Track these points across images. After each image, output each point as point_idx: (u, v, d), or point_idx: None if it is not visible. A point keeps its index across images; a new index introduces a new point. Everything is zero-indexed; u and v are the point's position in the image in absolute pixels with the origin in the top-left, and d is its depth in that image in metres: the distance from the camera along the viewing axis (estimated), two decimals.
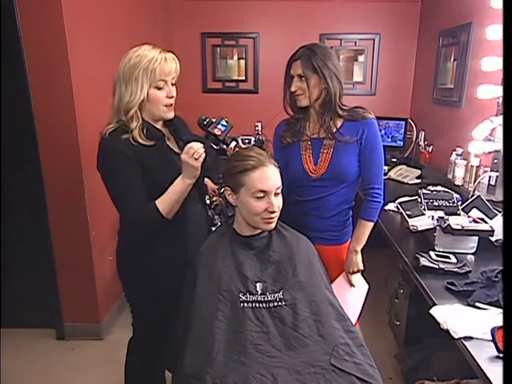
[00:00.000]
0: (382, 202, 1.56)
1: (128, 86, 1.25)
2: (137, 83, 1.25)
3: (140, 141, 1.27)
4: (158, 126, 1.37)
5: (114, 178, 1.28)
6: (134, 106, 1.27)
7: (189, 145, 1.24)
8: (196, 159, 1.23)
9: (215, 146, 1.42)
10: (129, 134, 1.26)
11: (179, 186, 1.27)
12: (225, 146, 1.43)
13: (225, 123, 1.43)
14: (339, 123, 1.52)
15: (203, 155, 1.25)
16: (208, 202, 1.81)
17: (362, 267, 1.58)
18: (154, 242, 1.36)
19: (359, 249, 1.56)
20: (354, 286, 1.59)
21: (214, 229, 1.56)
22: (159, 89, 1.29)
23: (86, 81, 2.10)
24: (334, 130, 1.51)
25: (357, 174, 1.54)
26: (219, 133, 1.40)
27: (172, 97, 1.33)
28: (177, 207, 1.29)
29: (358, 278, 1.61)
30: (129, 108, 1.26)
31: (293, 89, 1.49)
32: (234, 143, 1.41)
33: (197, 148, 1.23)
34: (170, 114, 1.35)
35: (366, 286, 1.64)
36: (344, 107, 1.52)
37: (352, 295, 1.58)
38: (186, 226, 1.39)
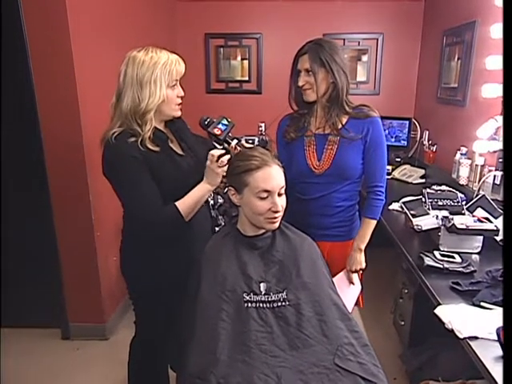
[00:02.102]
0: (384, 199, 1.56)
1: (144, 88, 1.25)
2: (155, 84, 1.25)
3: (149, 146, 1.27)
4: (161, 128, 1.37)
5: (126, 182, 1.27)
6: (152, 108, 1.27)
7: (212, 152, 1.29)
8: (220, 166, 1.29)
9: (218, 146, 1.43)
10: (136, 138, 1.26)
11: (200, 191, 1.31)
12: (226, 145, 1.44)
13: (226, 122, 1.43)
14: (344, 120, 1.52)
15: (224, 162, 1.29)
16: (212, 202, 1.81)
17: (364, 266, 1.58)
18: (157, 241, 1.37)
19: (363, 247, 1.56)
20: (353, 284, 1.59)
21: (217, 229, 1.56)
22: (172, 89, 1.31)
23: (90, 81, 2.11)
24: (340, 126, 1.51)
25: (360, 171, 1.55)
26: (219, 132, 1.41)
27: (182, 96, 1.35)
28: (195, 210, 1.32)
29: (355, 278, 1.61)
30: (146, 110, 1.26)
31: (300, 83, 1.48)
32: (235, 141, 1.42)
33: (218, 154, 1.29)
34: (179, 113, 1.38)
35: (360, 287, 1.64)
36: (350, 104, 1.52)
37: (349, 293, 1.58)
38: (189, 226, 1.39)
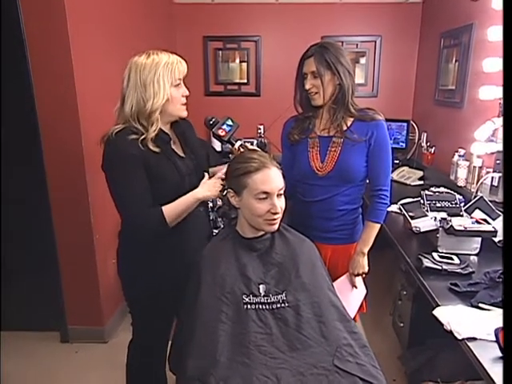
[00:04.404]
0: (389, 203, 1.55)
1: (148, 88, 1.26)
2: (158, 84, 1.26)
3: (149, 146, 1.27)
4: (166, 129, 1.38)
5: (119, 179, 1.28)
6: (158, 108, 1.28)
7: (219, 175, 1.36)
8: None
9: (218, 149, 1.44)
10: (137, 136, 1.27)
11: (189, 200, 1.32)
12: (230, 146, 1.44)
13: (230, 123, 1.44)
14: (349, 122, 1.52)
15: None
16: (211, 204, 1.81)
17: (367, 270, 1.58)
18: (154, 244, 1.37)
19: (366, 251, 1.55)
20: (356, 288, 1.59)
21: (216, 231, 1.56)
22: (176, 88, 1.32)
23: (89, 85, 2.11)
24: (345, 127, 1.51)
25: (363, 174, 1.54)
26: (223, 133, 1.42)
27: (187, 95, 1.36)
28: (180, 218, 1.33)
29: (358, 281, 1.61)
30: (152, 110, 1.27)
31: (307, 86, 1.48)
32: (239, 143, 1.42)
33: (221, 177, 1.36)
34: (185, 113, 1.39)
35: (365, 291, 1.64)
36: (355, 106, 1.52)
37: (352, 297, 1.58)
38: (187, 228, 1.40)
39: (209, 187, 1.35)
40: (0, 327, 2.31)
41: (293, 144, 1.58)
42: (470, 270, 1.53)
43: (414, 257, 1.65)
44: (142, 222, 1.29)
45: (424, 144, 3.20)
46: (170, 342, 1.44)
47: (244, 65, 3.68)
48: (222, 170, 1.38)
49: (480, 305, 1.31)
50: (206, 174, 1.42)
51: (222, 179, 1.36)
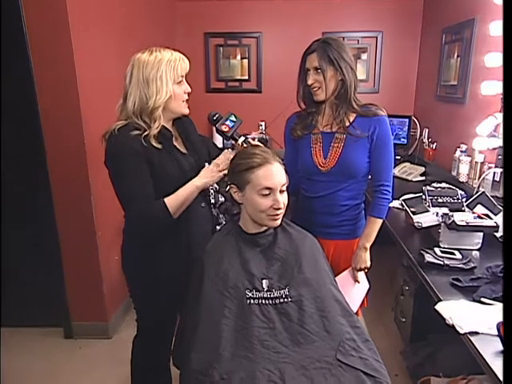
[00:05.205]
0: (391, 199, 1.56)
1: (151, 85, 1.27)
2: (161, 81, 1.28)
3: (152, 142, 1.28)
4: (168, 126, 1.39)
5: (122, 173, 1.29)
6: (160, 105, 1.29)
7: (222, 157, 1.38)
8: (219, 171, 1.37)
9: (219, 145, 1.44)
10: (139, 132, 1.27)
11: (189, 189, 1.33)
12: (233, 142, 1.45)
13: (233, 119, 1.45)
14: (352, 118, 1.52)
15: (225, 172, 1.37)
16: (213, 201, 1.81)
17: (369, 264, 1.58)
18: (157, 240, 1.38)
19: (368, 246, 1.56)
20: (358, 282, 1.59)
21: (218, 228, 1.57)
22: (179, 85, 1.33)
23: (91, 81, 2.11)
24: (347, 123, 1.51)
25: (366, 170, 1.54)
26: (226, 129, 1.42)
27: (189, 92, 1.37)
28: (183, 208, 1.33)
29: (361, 276, 1.61)
30: (154, 107, 1.28)
31: (310, 82, 1.48)
32: (242, 138, 1.43)
33: (225, 161, 1.37)
34: (187, 110, 1.40)
35: (367, 286, 1.65)
36: (358, 101, 1.52)
37: (354, 291, 1.59)
38: (189, 224, 1.41)
39: (206, 174, 1.37)
40: (0, 323, 2.32)
41: (296, 140, 1.59)
42: (472, 264, 1.53)
43: (416, 252, 1.66)
44: (146, 215, 1.29)
45: (426, 140, 3.20)
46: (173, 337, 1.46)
47: (245, 61, 3.67)
48: (219, 157, 1.40)
49: (482, 299, 1.31)
50: (207, 164, 1.43)
51: (222, 173, 1.37)
